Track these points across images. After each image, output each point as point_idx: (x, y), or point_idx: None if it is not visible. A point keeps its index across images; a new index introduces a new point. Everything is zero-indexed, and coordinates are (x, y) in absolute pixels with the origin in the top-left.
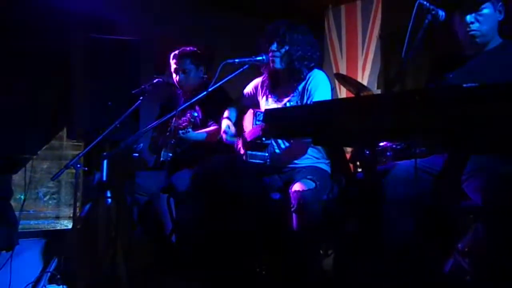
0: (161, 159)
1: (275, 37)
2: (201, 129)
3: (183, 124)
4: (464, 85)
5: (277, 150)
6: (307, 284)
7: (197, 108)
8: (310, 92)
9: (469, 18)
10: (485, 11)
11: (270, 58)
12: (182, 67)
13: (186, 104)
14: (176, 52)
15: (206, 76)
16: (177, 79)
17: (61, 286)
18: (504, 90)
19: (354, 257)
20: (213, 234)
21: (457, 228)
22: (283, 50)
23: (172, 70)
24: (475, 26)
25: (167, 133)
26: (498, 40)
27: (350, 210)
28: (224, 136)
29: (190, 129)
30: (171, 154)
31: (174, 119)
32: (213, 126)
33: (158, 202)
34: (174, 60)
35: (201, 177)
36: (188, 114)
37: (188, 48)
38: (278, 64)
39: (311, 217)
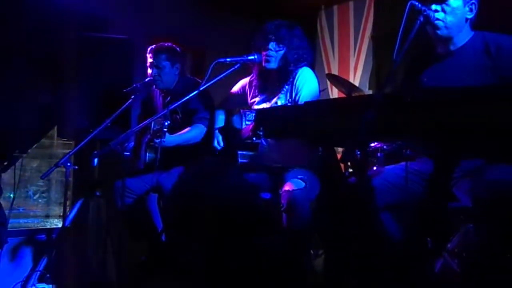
0: (146, 161)
1: (274, 36)
2: (180, 130)
3: (158, 133)
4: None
5: (267, 151)
6: (298, 284)
7: (177, 108)
8: (298, 88)
9: (434, 6)
10: (453, 2)
11: (264, 57)
12: (156, 62)
13: (172, 106)
14: (153, 46)
15: (182, 73)
16: (152, 75)
17: (50, 285)
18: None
19: (345, 257)
20: (202, 235)
21: (447, 229)
22: (280, 51)
23: (148, 64)
24: (439, 15)
25: (147, 138)
26: (468, 35)
27: (340, 210)
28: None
29: (165, 139)
30: (155, 155)
31: (153, 122)
32: (196, 122)
33: (148, 202)
34: (150, 54)
35: (190, 177)
36: (160, 123)
37: (166, 44)
38: (272, 64)
39: (301, 217)
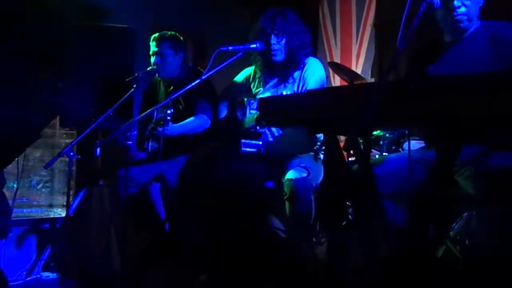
0: (149, 150)
1: (271, 30)
2: (183, 120)
3: (161, 122)
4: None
5: (270, 139)
6: (300, 272)
7: (179, 98)
8: (305, 80)
9: (456, 2)
10: None
11: (272, 52)
12: (159, 50)
13: (174, 95)
14: (156, 34)
15: (185, 63)
16: (155, 63)
17: (55, 274)
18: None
19: (347, 245)
20: (206, 224)
21: (449, 216)
22: (282, 42)
23: (150, 52)
24: (461, 10)
25: (150, 127)
26: (476, 24)
27: (343, 198)
28: None
29: (168, 128)
30: (158, 145)
31: (156, 111)
32: (199, 113)
33: (151, 191)
34: (153, 43)
35: (194, 167)
36: (163, 112)
37: (169, 32)
38: (279, 56)
39: (303, 204)
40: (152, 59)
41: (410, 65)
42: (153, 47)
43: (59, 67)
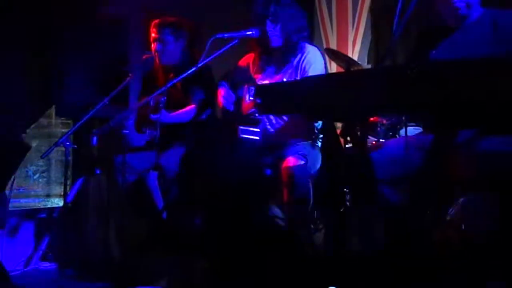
0: (147, 138)
1: (266, 15)
2: (181, 107)
3: (155, 108)
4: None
5: (269, 126)
6: (298, 259)
7: (177, 85)
8: (304, 69)
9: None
10: None
11: (269, 38)
12: (160, 36)
13: (171, 83)
14: (157, 20)
15: (186, 50)
16: (155, 50)
17: (53, 264)
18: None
19: (345, 231)
20: (204, 212)
21: (446, 200)
22: (277, 28)
23: (151, 39)
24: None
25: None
26: (479, 10)
27: (340, 185)
28: (222, 101)
29: (163, 112)
30: (156, 133)
31: (152, 99)
32: (192, 103)
33: (149, 180)
34: (154, 29)
35: (192, 154)
36: (158, 98)
37: (170, 18)
38: (277, 42)
39: (301, 191)
40: (152, 46)
41: (413, 50)
42: (154, 33)
43: (55, 55)
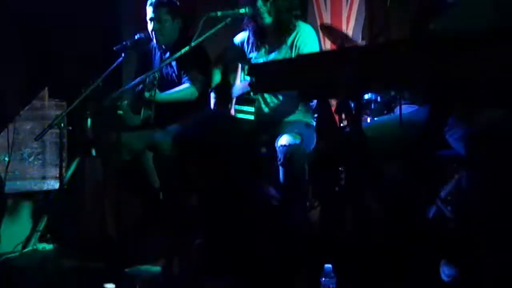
0: (142, 117)
1: None
2: (176, 85)
3: (148, 86)
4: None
5: (263, 106)
6: (293, 237)
7: (173, 63)
8: (298, 48)
9: None
10: None
11: (259, 15)
12: (157, 16)
13: (165, 62)
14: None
15: (183, 29)
16: (152, 29)
17: (51, 245)
18: (485, 38)
19: (340, 208)
20: (200, 190)
21: (440, 177)
22: (268, 4)
23: (148, 18)
24: None
25: (137, 92)
26: None
27: (335, 163)
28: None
29: (153, 94)
30: (151, 112)
31: (147, 77)
32: (186, 83)
33: (144, 160)
34: (150, 8)
35: (187, 133)
36: (152, 77)
37: None
38: (267, 19)
39: (297, 170)
40: (149, 25)
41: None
42: (150, 12)
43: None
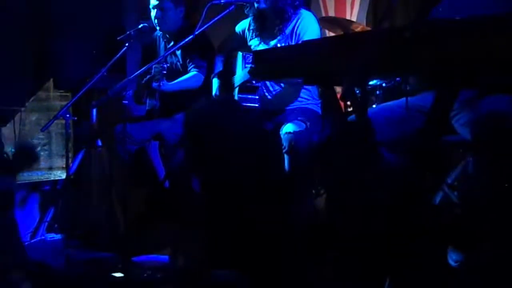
0: (147, 108)
1: None
2: (181, 75)
3: (156, 76)
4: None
5: (266, 93)
6: (299, 224)
7: (177, 52)
8: (299, 35)
9: None
10: None
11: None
12: (160, 4)
13: (170, 51)
14: None
15: (186, 17)
16: (156, 17)
17: (59, 235)
18: (491, 23)
19: (346, 195)
20: (206, 179)
21: (446, 162)
22: None
23: (151, 6)
24: None
25: (144, 83)
26: None
27: (341, 149)
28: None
29: (164, 81)
30: (156, 102)
31: (153, 67)
32: (193, 71)
33: (150, 150)
34: None
35: (192, 122)
36: (160, 67)
37: None
38: (262, 4)
39: (302, 157)
40: (152, 13)
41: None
42: (153, 0)
43: (50, 27)
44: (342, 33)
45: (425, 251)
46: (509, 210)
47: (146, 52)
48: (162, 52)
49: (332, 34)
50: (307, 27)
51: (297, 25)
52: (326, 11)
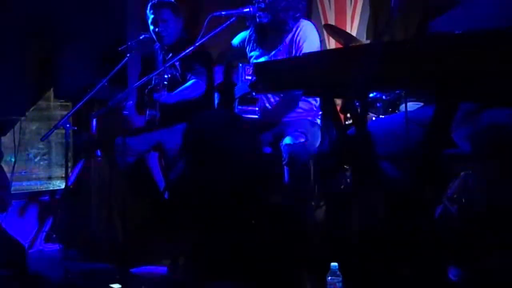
0: (147, 118)
1: None
2: (180, 86)
3: (157, 87)
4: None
5: (267, 104)
6: (299, 236)
7: (176, 63)
8: (298, 44)
9: None
10: None
11: (257, 13)
12: (161, 17)
13: (170, 62)
14: (155, 1)
15: (184, 29)
16: (156, 30)
17: (57, 245)
18: (490, 37)
19: (345, 208)
20: (205, 190)
21: (446, 176)
22: (267, 1)
23: (150, 21)
24: None
25: (146, 94)
26: None
27: (341, 162)
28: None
29: (164, 92)
30: (156, 113)
31: (154, 77)
32: (192, 79)
33: (149, 161)
34: (152, 10)
35: (192, 133)
36: (161, 78)
37: None
38: (263, 17)
39: (302, 169)
40: (151, 27)
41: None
42: (153, 14)
43: (51, 37)
44: (343, 40)
45: (425, 264)
46: (509, 223)
47: (145, 63)
48: (160, 64)
49: (333, 41)
50: (306, 35)
51: (296, 34)
52: (326, 22)
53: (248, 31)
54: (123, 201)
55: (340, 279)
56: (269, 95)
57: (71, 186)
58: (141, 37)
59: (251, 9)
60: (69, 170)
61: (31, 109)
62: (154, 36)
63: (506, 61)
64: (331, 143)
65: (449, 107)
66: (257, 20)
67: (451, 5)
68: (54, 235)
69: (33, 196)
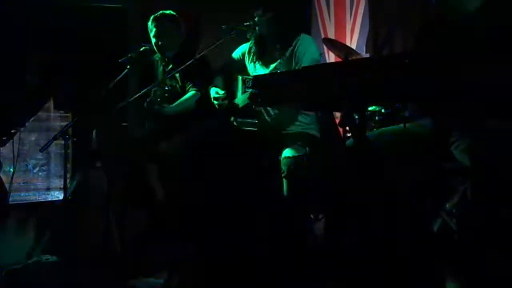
0: (146, 129)
1: (260, 3)
2: (180, 97)
3: (158, 99)
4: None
5: (267, 117)
6: (298, 248)
7: (176, 75)
8: (298, 57)
9: None
10: None
11: (257, 26)
12: (164, 29)
13: (171, 73)
14: (157, 14)
15: (184, 41)
16: (159, 43)
17: (54, 257)
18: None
19: (344, 220)
20: (204, 201)
21: (445, 189)
22: (268, 15)
23: (152, 34)
24: None
25: (145, 105)
26: (479, 1)
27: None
28: (215, 102)
29: (164, 106)
30: (154, 124)
31: (153, 90)
32: (192, 90)
33: (148, 172)
34: (154, 23)
35: (191, 145)
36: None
37: (167, 12)
38: (263, 30)
39: (301, 182)
40: (153, 40)
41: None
42: (155, 27)
43: (52, 49)
44: (342, 54)
45: (424, 277)
46: (507, 236)
47: (144, 74)
48: (160, 75)
49: (332, 54)
50: (306, 49)
51: (296, 48)
52: (326, 37)
53: (248, 43)
54: (121, 212)
55: None
56: (269, 108)
57: (69, 197)
58: (141, 49)
59: (252, 23)
60: (68, 181)
61: (31, 119)
62: (155, 48)
63: (502, 75)
64: (330, 156)
65: (448, 121)
66: (257, 30)
67: (448, 22)
68: (52, 246)
69: (32, 207)
